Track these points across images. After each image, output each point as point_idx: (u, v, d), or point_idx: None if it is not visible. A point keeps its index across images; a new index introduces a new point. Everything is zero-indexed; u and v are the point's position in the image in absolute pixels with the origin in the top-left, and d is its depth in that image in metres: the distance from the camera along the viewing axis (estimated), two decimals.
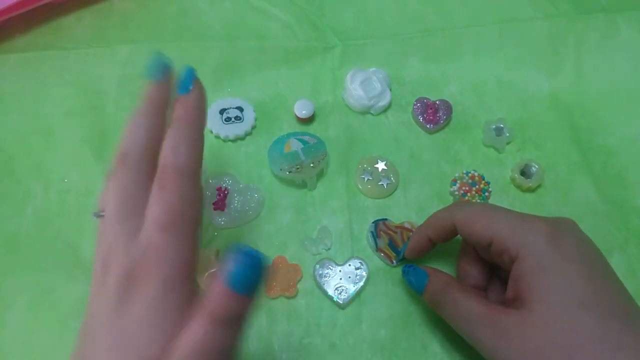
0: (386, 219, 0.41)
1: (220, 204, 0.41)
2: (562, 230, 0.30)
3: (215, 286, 0.24)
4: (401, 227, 0.40)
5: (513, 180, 0.43)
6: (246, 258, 0.23)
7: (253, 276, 0.24)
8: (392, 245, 0.40)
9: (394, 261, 0.39)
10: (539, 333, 0.28)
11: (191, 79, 0.31)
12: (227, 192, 0.41)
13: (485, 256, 0.35)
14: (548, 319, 0.28)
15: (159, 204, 0.26)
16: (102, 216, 0.27)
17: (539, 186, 0.43)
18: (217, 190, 0.41)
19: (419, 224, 0.40)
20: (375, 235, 0.40)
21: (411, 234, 0.40)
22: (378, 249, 0.39)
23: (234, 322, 0.24)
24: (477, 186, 0.42)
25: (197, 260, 0.27)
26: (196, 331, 0.23)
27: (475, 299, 0.32)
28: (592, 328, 0.27)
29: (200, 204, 0.28)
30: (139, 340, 0.24)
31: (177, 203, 0.26)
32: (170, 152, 0.28)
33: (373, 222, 0.41)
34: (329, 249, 0.40)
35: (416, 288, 0.35)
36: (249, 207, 0.41)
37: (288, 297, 0.38)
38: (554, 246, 0.29)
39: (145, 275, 0.24)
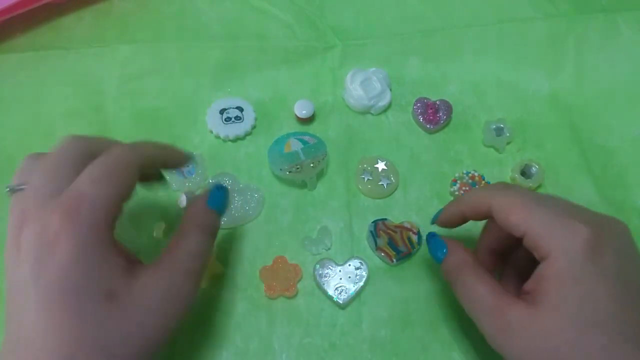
0: (386, 219, 0.41)
1: None
2: (606, 239, 0.28)
3: (199, 207, 0.33)
4: (401, 227, 0.41)
5: (513, 180, 0.43)
6: (218, 187, 0.34)
7: (222, 198, 0.34)
8: (392, 244, 0.40)
9: (394, 260, 0.39)
10: (542, 338, 0.27)
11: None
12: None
13: (513, 242, 0.33)
14: (556, 328, 0.27)
15: (95, 164, 0.28)
16: (20, 189, 0.28)
17: (539, 186, 0.43)
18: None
19: (419, 224, 0.41)
20: (375, 234, 0.40)
21: (411, 233, 0.40)
22: (378, 248, 0.39)
23: (213, 232, 0.33)
24: (477, 186, 0.42)
25: (115, 209, 0.28)
26: (191, 239, 0.31)
27: (486, 285, 0.30)
28: (600, 350, 0.26)
29: (132, 178, 0.29)
30: (76, 284, 0.26)
31: (113, 164, 0.28)
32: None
33: (372, 222, 0.41)
34: (329, 249, 0.40)
35: (435, 258, 0.34)
36: (249, 207, 0.41)
37: (288, 297, 0.38)
38: (590, 257, 0.27)
39: (65, 228, 0.26)
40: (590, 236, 0.27)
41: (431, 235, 0.35)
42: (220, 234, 0.41)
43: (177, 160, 0.35)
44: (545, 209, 0.29)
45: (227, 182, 0.42)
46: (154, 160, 0.33)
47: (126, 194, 0.29)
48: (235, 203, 0.41)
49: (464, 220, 0.35)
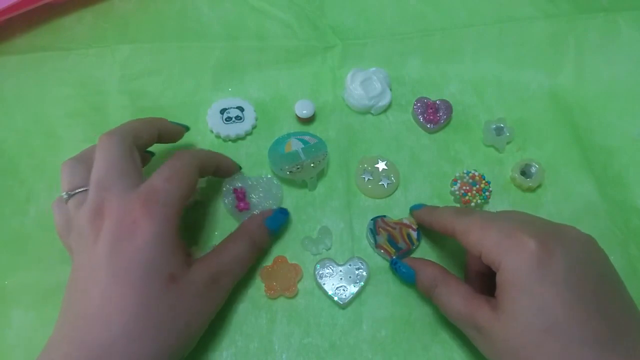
0: (385, 216, 0.41)
1: (243, 203, 0.41)
2: (553, 248, 0.29)
3: (256, 222, 0.38)
4: (400, 223, 0.41)
5: (513, 180, 0.43)
6: (280, 211, 0.40)
7: (281, 222, 0.39)
8: (392, 241, 0.40)
9: (393, 257, 0.39)
10: (504, 341, 0.29)
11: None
12: (244, 190, 0.41)
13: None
14: (513, 333, 0.29)
15: (166, 165, 0.33)
16: (78, 193, 0.33)
17: (539, 186, 0.43)
18: (234, 192, 0.41)
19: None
20: (375, 232, 0.40)
21: (410, 230, 0.40)
22: (377, 246, 0.40)
23: (260, 247, 0.38)
24: (477, 186, 0.42)
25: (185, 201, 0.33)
26: (239, 246, 0.36)
27: (457, 295, 0.33)
28: (556, 353, 0.27)
29: (195, 179, 0.35)
30: (147, 265, 0.30)
31: (180, 167, 0.34)
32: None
33: (372, 220, 0.41)
34: (329, 249, 0.40)
35: (408, 282, 0.38)
36: (271, 196, 0.41)
37: (288, 297, 0.38)
38: (536, 267, 0.29)
39: (145, 216, 0.30)
40: (536, 247, 0.29)
41: (394, 262, 0.38)
42: (220, 232, 0.41)
43: (228, 168, 0.40)
44: (497, 227, 0.31)
45: (238, 185, 0.42)
46: (210, 166, 0.38)
47: (190, 193, 0.34)
48: (255, 199, 0.41)
49: (433, 229, 0.38)
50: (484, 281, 0.35)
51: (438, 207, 0.39)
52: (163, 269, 0.30)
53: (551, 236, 0.30)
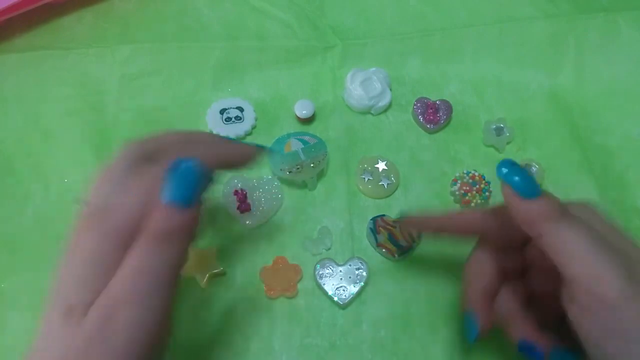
0: (384, 215, 0.41)
1: (244, 205, 0.41)
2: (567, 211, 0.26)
3: (154, 205, 0.24)
4: (400, 222, 0.41)
5: None
6: (176, 169, 0.24)
7: (185, 185, 0.24)
8: (392, 239, 0.40)
9: (396, 255, 0.39)
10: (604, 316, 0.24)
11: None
12: (246, 192, 0.41)
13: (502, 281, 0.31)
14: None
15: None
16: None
17: None
18: (235, 193, 0.41)
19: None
20: (375, 231, 0.40)
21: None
22: (378, 245, 0.40)
23: (174, 236, 0.24)
24: (477, 186, 0.42)
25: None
26: (138, 252, 0.23)
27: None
28: None
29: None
30: None
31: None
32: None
33: (371, 219, 0.41)
34: (329, 249, 0.40)
35: (528, 191, 0.27)
36: (272, 197, 0.41)
37: (288, 297, 0.38)
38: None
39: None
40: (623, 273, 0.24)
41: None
42: (220, 233, 0.41)
43: (243, 157, 0.30)
44: (611, 260, 0.25)
45: (238, 186, 0.42)
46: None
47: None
48: (255, 200, 0.41)
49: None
50: (487, 304, 0.32)
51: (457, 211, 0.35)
52: (62, 298, 0.25)
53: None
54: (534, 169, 0.43)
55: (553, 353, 0.29)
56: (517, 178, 0.27)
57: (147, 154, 0.26)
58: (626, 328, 0.24)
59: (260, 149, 0.31)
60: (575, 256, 0.25)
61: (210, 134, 0.31)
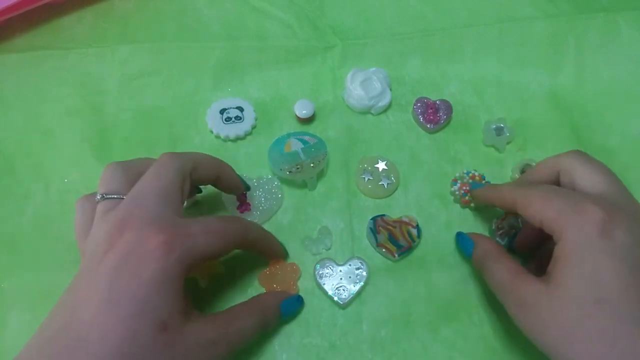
0: (384, 215, 0.41)
1: (244, 205, 0.41)
2: (618, 220, 0.29)
3: (272, 302, 0.36)
4: (400, 222, 0.41)
5: (513, 179, 0.43)
6: (297, 298, 0.37)
7: (296, 309, 0.38)
8: (392, 239, 0.40)
9: (396, 255, 0.39)
10: (551, 313, 0.28)
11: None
12: (246, 193, 0.41)
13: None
14: (562, 304, 0.28)
15: (215, 221, 0.32)
16: (112, 199, 0.31)
17: None
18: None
19: (417, 218, 0.41)
20: (375, 231, 0.40)
21: (410, 227, 0.40)
22: (379, 244, 0.40)
23: (268, 328, 0.35)
24: (477, 186, 0.42)
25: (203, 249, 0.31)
26: (248, 321, 0.33)
27: (505, 268, 0.33)
28: (604, 326, 0.27)
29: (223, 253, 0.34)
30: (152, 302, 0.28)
31: (227, 232, 0.33)
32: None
33: (371, 219, 0.41)
34: (329, 249, 0.40)
35: (465, 253, 0.38)
36: (272, 197, 0.41)
37: None
38: (598, 236, 0.28)
39: (162, 251, 0.28)
40: (600, 217, 0.29)
41: (459, 234, 0.39)
42: None
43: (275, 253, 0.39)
44: (562, 197, 0.31)
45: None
46: (255, 243, 0.36)
47: (215, 257, 0.33)
48: (256, 200, 0.41)
49: (493, 206, 0.39)
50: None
51: (499, 185, 0.40)
52: (157, 313, 0.27)
53: (618, 209, 0.29)
54: None
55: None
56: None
57: (190, 173, 0.33)
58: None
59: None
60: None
61: (231, 169, 0.37)
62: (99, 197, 0.32)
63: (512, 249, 0.40)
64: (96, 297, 0.27)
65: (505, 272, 0.32)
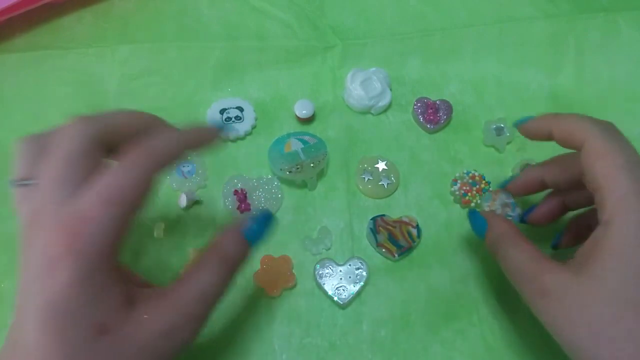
0: (384, 215, 0.41)
1: (244, 205, 0.41)
2: None
3: (233, 237, 0.28)
4: (399, 222, 0.41)
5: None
6: (261, 217, 0.30)
7: (265, 230, 0.30)
8: (392, 239, 0.40)
9: (396, 255, 0.39)
10: (579, 307, 0.26)
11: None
12: (246, 192, 0.41)
13: (573, 203, 0.35)
14: (595, 300, 0.26)
15: (109, 179, 0.25)
16: (28, 184, 0.27)
17: None
18: (235, 193, 0.41)
19: (417, 218, 0.41)
20: (375, 231, 0.40)
21: (410, 227, 0.40)
22: (379, 244, 0.40)
23: (239, 267, 0.29)
24: (477, 186, 0.42)
25: (123, 244, 0.26)
26: (208, 275, 0.27)
27: (524, 253, 0.30)
28: (635, 332, 0.25)
29: (146, 193, 0.26)
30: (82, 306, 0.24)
31: (130, 180, 0.25)
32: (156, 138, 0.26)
33: (371, 219, 0.41)
34: (329, 249, 0.40)
35: (477, 234, 0.35)
36: (272, 197, 0.41)
37: (290, 289, 0.38)
38: None
39: (66, 254, 0.24)
40: None
41: (472, 212, 0.36)
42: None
43: (205, 142, 0.30)
44: (635, 174, 0.27)
45: (238, 186, 0.42)
46: (179, 157, 0.28)
47: (139, 208, 0.26)
48: (256, 201, 0.41)
49: (542, 187, 0.35)
50: (535, 188, 0.35)
51: (560, 114, 0.33)
52: (88, 317, 0.24)
53: None
54: None
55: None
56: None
57: (103, 138, 0.27)
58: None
59: (219, 129, 0.31)
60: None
61: (161, 120, 0.30)
62: (14, 184, 0.28)
63: (523, 222, 0.38)
64: (30, 316, 0.24)
65: (526, 256, 0.30)
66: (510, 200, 0.38)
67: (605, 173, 0.28)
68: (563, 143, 0.31)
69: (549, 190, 0.37)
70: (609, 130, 0.30)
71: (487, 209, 0.38)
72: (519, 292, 0.30)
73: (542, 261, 0.29)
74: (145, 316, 0.25)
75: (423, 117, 0.45)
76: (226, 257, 0.28)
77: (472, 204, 0.42)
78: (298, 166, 0.41)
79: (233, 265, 0.28)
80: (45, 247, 0.24)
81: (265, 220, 0.30)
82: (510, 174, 0.44)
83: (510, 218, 0.37)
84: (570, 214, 0.37)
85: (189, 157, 0.42)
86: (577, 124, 0.30)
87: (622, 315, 0.25)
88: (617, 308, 0.25)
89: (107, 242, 0.24)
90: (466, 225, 0.41)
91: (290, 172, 0.41)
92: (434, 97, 0.46)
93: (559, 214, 0.36)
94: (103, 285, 0.25)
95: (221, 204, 0.42)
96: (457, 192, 0.42)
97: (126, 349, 0.24)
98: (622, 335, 0.25)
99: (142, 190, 0.26)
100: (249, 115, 0.45)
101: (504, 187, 0.38)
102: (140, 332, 0.25)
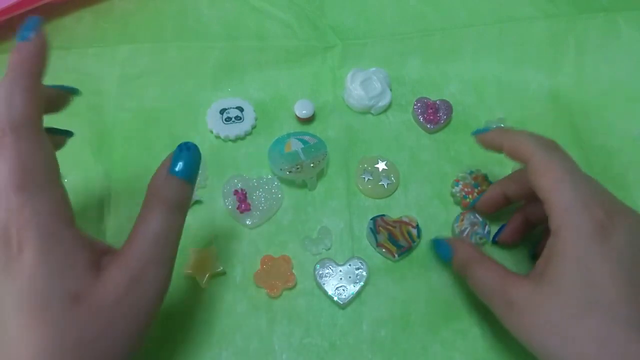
0: (384, 215, 0.41)
1: (244, 205, 0.41)
2: (618, 224, 0.28)
3: (160, 177, 0.28)
4: (399, 222, 0.41)
5: None
6: (181, 147, 0.29)
7: (189, 160, 0.29)
8: (392, 239, 0.40)
9: (396, 255, 0.39)
10: (543, 315, 0.28)
11: (33, 27, 0.29)
12: (246, 192, 0.41)
13: (528, 198, 0.36)
14: (554, 307, 0.28)
15: (5, 164, 0.25)
16: None
17: None
18: (235, 193, 0.41)
19: (417, 218, 0.41)
20: (375, 231, 0.40)
21: (410, 227, 0.40)
22: (378, 244, 0.40)
23: (181, 206, 0.29)
24: (479, 188, 0.42)
25: (69, 204, 0.27)
26: (153, 220, 0.28)
27: (491, 272, 0.32)
28: (598, 330, 0.27)
29: (52, 152, 0.27)
30: (41, 292, 0.25)
31: (23, 161, 0.25)
32: (3, 107, 0.26)
33: (371, 219, 0.41)
34: (329, 249, 0.40)
35: (444, 259, 0.37)
36: (272, 197, 0.41)
37: (291, 289, 0.38)
38: (597, 238, 0.28)
39: (20, 237, 0.25)
40: (601, 218, 0.28)
41: (435, 240, 0.39)
42: (220, 233, 0.41)
43: (56, 98, 0.31)
44: (574, 185, 0.29)
45: (238, 186, 0.42)
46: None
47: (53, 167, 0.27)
48: (256, 200, 0.41)
49: (507, 202, 0.38)
50: (500, 205, 0.38)
51: (510, 130, 0.37)
52: (60, 290, 0.25)
53: (618, 211, 0.29)
54: None
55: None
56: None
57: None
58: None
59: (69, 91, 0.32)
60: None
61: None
62: None
63: (495, 243, 0.40)
64: (7, 307, 0.25)
65: (491, 275, 0.32)
66: (479, 219, 0.40)
67: (549, 188, 0.30)
68: (511, 157, 0.34)
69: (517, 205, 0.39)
70: (550, 147, 0.32)
71: (456, 229, 0.40)
72: (491, 307, 0.32)
73: (507, 276, 0.31)
74: (107, 277, 0.26)
75: (423, 117, 0.45)
76: (161, 197, 0.28)
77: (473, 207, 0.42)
78: (298, 166, 0.41)
79: (170, 203, 0.28)
80: (6, 236, 0.25)
81: (185, 149, 0.29)
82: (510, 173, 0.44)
83: (479, 236, 0.40)
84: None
85: None
86: (522, 142, 0.32)
87: (580, 315, 0.27)
88: (576, 309, 0.27)
89: (42, 219, 0.25)
90: None
91: (290, 172, 0.41)
92: (434, 97, 0.46)
93: (524, 231, 0.39)
94: (67, 253, 0.25)
95: (221, 204, 0.42)
96: (458, 194, 0.42)
97: (101, 313, 0.25)
98: (583, 334, 0.27)
99: (43, 160, 0.26)
100: (249, 115, 0.45)
101: (472, 207, 0.40)
102: (108, 294, 0.26)
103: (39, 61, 0.29)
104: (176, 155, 0.29)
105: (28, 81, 0.28)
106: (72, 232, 0.26)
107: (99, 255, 0.28)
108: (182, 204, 0.29)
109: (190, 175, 0.29)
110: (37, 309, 0.24)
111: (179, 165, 0.29)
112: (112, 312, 0.26)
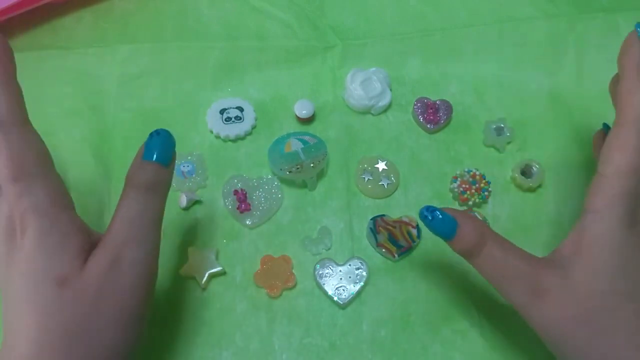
0: (384, 215, 0.41)
1: (244, 205, 0.41)
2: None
3: (135, 165, 0.30)
4: (399, 222, 0.41)
5: (514, 180, 0.43)
6: (152, 134, 0.30)
7: (160, 145, 0.30)
8: (392, 239, 0.40)
9: (396, 255, 0.39)
10: (574, 303, 0.27)
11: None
12: (246, 192, 0.41)
13: None
14: (588, 294, 0.27)
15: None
16: None
17: (539, 186, 0.43)
18: (235, 193, 0.41)
19: (417, 218, 0.41)
20: (375, 231, 0.40)
21: (410, 227, 0.40)
22: (378, 244, 0.40)
23: (155, 188, 0.30)
24: (477, 185, 0.42)
25: (65, 191, 0.30)
26: (127, 201, 0.29)
27: (514, 253, 0.29)
28: (629, 320, 0.26)
29: (42, 142, 0.30)
30: (38, 270, 0.27)
31: (15, 154, 0.27)
32: None
33: (372, 219, 0.41)
34: (329, 249, 0.40)
35: (443, 235, 0.30)
36: (272, 197, 0.41)
37: (291, 289, 0.38)
38: (627, 222, 0.27)
39: (22, 224, 0.27)
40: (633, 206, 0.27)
41: (432, 211, 0.30)
42: (220, 233, 0.41)
43: None
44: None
45: (238, 186, 0.42)
46: None
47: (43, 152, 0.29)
48: (256, 200, 0.41)
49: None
50: None
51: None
52: (49, 273, 0.26)
53: None
54: (534, 168, 0.43)
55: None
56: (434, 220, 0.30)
57: None
58: None
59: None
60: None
61: None
62: None
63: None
64: (8, 296, 0.27)
65: (516, 257, 0.29)
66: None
67: (611, 161, 0.30)
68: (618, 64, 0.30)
69: None
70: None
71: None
72: (505, 295, 0.29)
73: (534, 260, 0.29)
74: (91, 261, 0.28)
75: (423, 117, 0.45)
76: (134, 182, 0.29)
77: (470, 202, 0.42)
78: (298, 166, 0.41)
79: (143, 185, 0.29)
80: (9, 223, 0.27)
81: (156, 136, 0.30)
82: (510, 174, 0.44)
83: None
84: None
85: (188, 157, 0.42)
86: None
87: (615, 306, 0.26)
88: (611, 300, 0.26)
89: (40, 206, 0.27)
90: None
91: (290, 172, 0.41)
92: (434, 97, 0.46)
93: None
94: (59, 236, 0.27)
95: (221, 204, 0.42)
96: (456, 189, 0.42)
97: (84, 296, 0.27)
98: (615, 325, 0.26)
99: (32, 152, 0.29)
100: (249, 116, 0.45)
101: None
102: (91, 278, 0.27)
103: (7, 60, 0.30)
104: (147, 142, 0.30)
105: (5, 79, 0.29)
106: (68, 215, 0.28)
107: (89, 244, 0.29)
108: (157, 186, 0.30)
109: (162, 158, 0.30)
110: (30, 293, 0.26)
111: (151, 150, 0.30)
112: (95, 296, 0.27)
